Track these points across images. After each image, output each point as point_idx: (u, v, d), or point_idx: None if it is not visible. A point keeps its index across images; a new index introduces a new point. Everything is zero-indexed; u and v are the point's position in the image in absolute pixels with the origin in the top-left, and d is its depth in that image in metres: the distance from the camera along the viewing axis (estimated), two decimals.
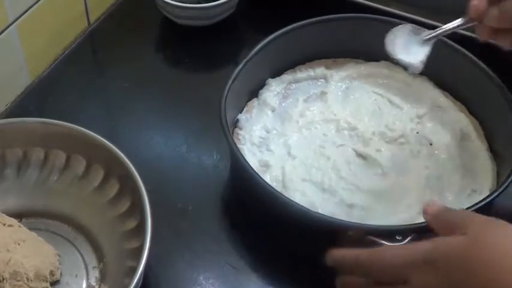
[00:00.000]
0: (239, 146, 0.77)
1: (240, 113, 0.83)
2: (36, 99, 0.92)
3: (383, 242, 0.67)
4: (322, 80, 0.87)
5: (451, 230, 0.56)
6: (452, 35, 0.86)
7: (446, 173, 0.78)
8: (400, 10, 0.94)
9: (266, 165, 0.78)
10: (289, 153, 0.79)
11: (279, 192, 0.71)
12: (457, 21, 0.72)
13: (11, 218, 0.74)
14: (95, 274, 0.73)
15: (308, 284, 0.74)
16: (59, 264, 0.73)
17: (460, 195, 0.76)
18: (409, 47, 0.75)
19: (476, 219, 0.56)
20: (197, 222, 0.79)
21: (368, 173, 0.78)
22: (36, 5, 0.89)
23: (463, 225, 0.55)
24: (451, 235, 0.55)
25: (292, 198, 0.71)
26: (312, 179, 0.77)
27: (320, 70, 0.88)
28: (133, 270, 0.65)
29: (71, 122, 0.77)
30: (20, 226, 0.74)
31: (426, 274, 0.54)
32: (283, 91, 0.86)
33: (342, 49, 0.89)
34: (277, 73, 0.87)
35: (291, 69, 0.88)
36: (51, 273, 0.71)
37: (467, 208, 0.70)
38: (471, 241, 0.53)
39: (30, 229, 0.74)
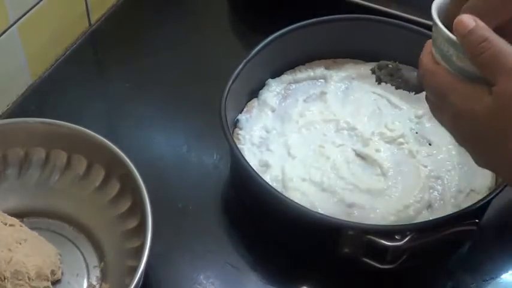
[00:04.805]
0: (239, 146, 0.77)
1: (240, 113, 0.83)
2: (37, 100, 0.92)
3: (383, 241, 0.67)
4: (321, 80, 0.88)
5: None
6: None
7: (445, 173, 0.78)
8: (400, 11, 0.94)
9: (266, 165, 0.78)
10: (289, 153, 0.79)
11: (279, 192, 0.71)
12: None
13: (13, 218, 0.74)
14: (95, 273, 0.73)
15: (308, 283, 0.75)
16: (60, 263, 0.73)
17: (459, 195, 0.76)
18: None
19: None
20: (197, 221, 0.79)
21: (367, 172, 0.78)
22: (37, 5, 0.89)
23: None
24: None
25: (292, 198, 0.71)
26: (312, 178, 0.77)
27: (320, 70, 0.88)
28: (134, 269, 0.66)
29: (72, 122, 0.78)
30: (21, 225, 0.74)
31: None
32: (283, 91, 0.86)
33: (341, 49, 0.89)
34: (277, 73, 0.87)
35: (291, 70, 0.88)
36: (53, 272, 0.71)
37: (466, 208, 0.70)
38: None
39: (32, 228, 0.75)
